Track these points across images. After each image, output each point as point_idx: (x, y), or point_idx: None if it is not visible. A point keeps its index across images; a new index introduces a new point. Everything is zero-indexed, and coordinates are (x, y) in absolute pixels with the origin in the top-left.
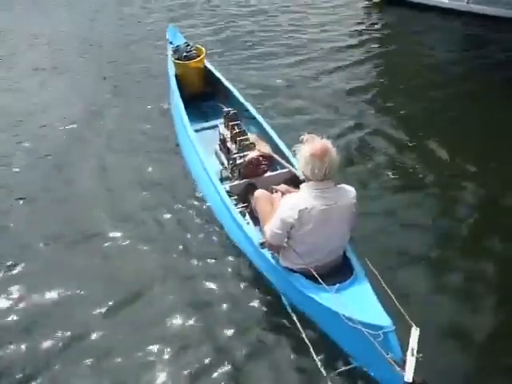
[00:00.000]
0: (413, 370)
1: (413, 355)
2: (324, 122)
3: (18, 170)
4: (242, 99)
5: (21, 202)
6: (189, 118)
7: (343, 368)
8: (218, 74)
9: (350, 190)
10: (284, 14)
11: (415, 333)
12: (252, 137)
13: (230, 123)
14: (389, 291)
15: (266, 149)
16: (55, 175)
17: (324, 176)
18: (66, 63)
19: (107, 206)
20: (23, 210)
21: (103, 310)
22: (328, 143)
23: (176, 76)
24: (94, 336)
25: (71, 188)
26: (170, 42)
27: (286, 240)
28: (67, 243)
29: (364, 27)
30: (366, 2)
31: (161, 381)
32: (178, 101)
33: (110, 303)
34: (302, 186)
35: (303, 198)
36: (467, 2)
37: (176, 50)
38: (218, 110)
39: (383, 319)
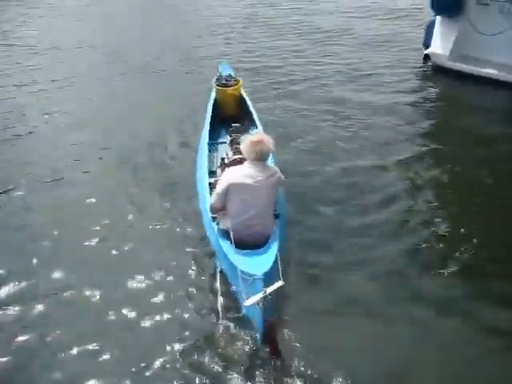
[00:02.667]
0: (254, 301)
1: (263, 293)
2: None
3: None
4: (258, 122)
5: None
6: (219, 133)
7: (235, 315)
8: (248, 102)
9: (276, 171)
10: (333, 74)
11: (278, 283)
12: None
13: (233, 134)
14: (279, 259)
15: None
16: None
17: (255, 158)
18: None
19: None
20: None
21: None
22: (265, 137)
23: (216, 99)
24: None
25: None
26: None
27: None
28: None
29: (413, 94)
30: (416, 70)
31: None
32: (207, 118)
33: None
34: (244, 163)
35: (239, 170)
36: None
37: (218, 78)
38: (242, 128)
39: (257, 271)
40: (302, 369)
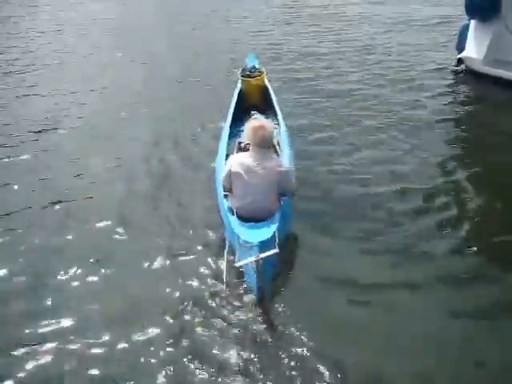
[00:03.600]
0: (245, 262)
1: (256, 257)
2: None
3: None
4: (278, 112)
5: None
6: (242, 121)
7: (237, 280)
8: (271, 92)
9: (277, 164)
10: (363, 71)
11: (272, 250)
12: None
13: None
14: (276, 233)
15: None
16: None
17: (256, 144)
18: None
19: None
20: None
21: None
22: (265, 123)
23: (241, 90)
24: None
25: None
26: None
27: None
28: None
29: (446, 98)
30: (449, 74)
31: None
32: (231, 106)
33: None
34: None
35: (242, 156)
36: None
37: (243, 69)
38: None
39: (255, 239)
40: (296, 335)
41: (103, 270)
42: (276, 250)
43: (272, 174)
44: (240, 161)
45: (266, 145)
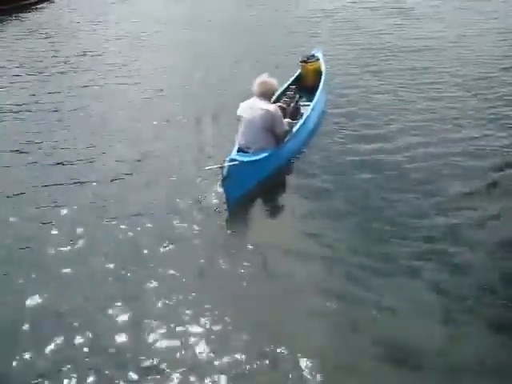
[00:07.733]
0: (211, 167)
1: (222, 163)
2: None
3: None
4: (318, 93)
5: None
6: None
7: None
8: (323, 77)
9: (271, 108)
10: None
11: (234, 162)
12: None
13: (288, 92)
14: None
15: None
16: None
17: (256, 93)
18: None
19: None
20: None
21: None
22: (267, 78)
23: (300, 73)
24: None
25: None
26: None
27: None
28: None
29: None
30: None
31: None
32: (287, 82)
33: None
34: None
35: (246, 102)
36: None
37: (303, 56)
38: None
39: (233, 158)
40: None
41: None
42: (237, 162)
43: (261, 112)
44: (243, 105)
45: (263, 95)
